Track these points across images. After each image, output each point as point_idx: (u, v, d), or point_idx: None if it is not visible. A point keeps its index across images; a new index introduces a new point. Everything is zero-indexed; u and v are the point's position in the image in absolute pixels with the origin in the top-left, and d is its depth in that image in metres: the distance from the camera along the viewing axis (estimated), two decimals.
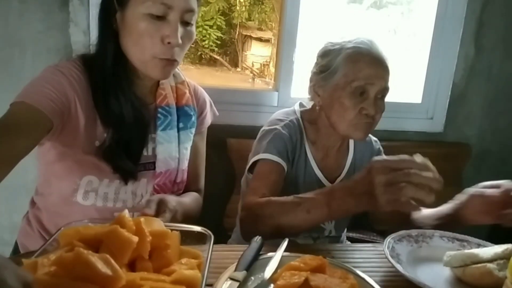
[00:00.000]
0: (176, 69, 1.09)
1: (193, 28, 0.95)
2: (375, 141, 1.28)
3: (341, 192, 0.87)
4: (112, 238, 0.59)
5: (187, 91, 1.10)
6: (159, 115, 1.02)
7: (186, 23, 0.91)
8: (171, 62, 0.92)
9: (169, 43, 0.89)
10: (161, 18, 0.88)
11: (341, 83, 1.06)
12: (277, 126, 1.12)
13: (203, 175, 1.18)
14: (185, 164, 1.07)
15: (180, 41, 0.89)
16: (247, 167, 1.13)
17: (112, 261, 0.54)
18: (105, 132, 0.93)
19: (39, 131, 0.83)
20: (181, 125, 1.06)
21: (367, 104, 1.05)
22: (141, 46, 0.90)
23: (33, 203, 1.06)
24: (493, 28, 1.78)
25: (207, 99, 1.19)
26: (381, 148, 1.27)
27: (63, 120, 0.87)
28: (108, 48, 0.93)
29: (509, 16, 1.78)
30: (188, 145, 1.09)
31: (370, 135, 1.25)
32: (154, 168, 1.01)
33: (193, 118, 1.10)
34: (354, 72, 1.05)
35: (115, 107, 0.92)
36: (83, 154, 0.92)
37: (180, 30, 0.89)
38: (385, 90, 1.07)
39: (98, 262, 0.53)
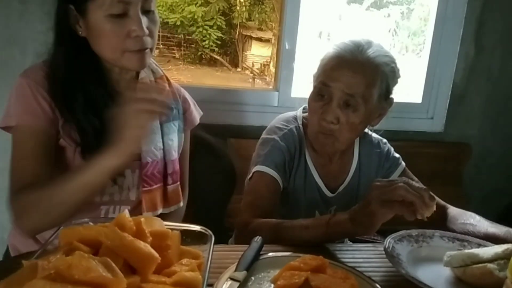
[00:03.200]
0: (154, 65, 1.11)
1: (156, 14, 0.97)
2: (384, 143, 1.23)
3: (341, 216, 0.88)
4: (133, 253, 0.59)
5: (167, 85, 1.12)
6: None
7: (147, 12, 0.94)
8: (144, 51, 0.94)
9: (136, 36, 0.91)
10: (122, 15, 0.90)
11: (313, 86, 1.08)
12: (275, 137, 1.11)
13: (187, 173, 1.20)
14: (173, 155, 1.09)
15: (146, 31, 0.92)
16: (248, 176, 1.12)
17: (113, 264, 0.54)
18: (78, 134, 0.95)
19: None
20: (162, 117, 1.07)
21: (326, 109, 1.03)
22: (110, 46, 0.93)
23: None
24: (493, 28, 1.78)
25: (190, 98, 1.21)
26: (390, 149, 1.23)
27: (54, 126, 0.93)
28: (61, 55, 0.95)
29: (509, 15, 1.78)
30: (174, 137, 1.10)
31: (377, 135, 1.24)
32: (138, 159, 1.02)
33: (175, 111, 1.11)
34: (320, 72, 1.06)
35: (83, 119, 0.94)
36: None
37: (144, 20, 0.92)
38: (348, 97, 1.01)
39: (98, 265, 0.53)
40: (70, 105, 0.94)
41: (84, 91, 0.95)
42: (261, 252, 0.79)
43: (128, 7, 0.90)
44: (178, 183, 1.11)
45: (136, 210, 1.03)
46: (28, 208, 0.86)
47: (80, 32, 0.94)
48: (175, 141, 1.10)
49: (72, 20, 0.93)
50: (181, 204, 1.12)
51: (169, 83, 1.13)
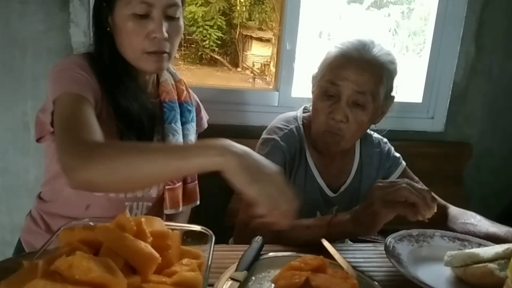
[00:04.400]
0: (172, 69, 1.16)
1: (180, 22, 1.00)
2: (384, 142, 1.23)
3: (343, 216, 0.89)
4: (133, 253, 0.59)
5: (184, 88, 1.16)
6: (164, 109, 1.08)
7: (170, 18, 0.96)
8: (161, 55, 0.97)
9: (154, 37, 0.94)
10: (145, 16, 0.93)
11: (316, 84, 1.07)
12: (275, 137, 1.10)
13: None
14: None
15: (165, 34, 0.94)
16: None
17: (113, 264, 0.54)
18: (113, 124, 0.96)
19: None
20: (183, 119, 1.12)
21: (335, 108, 1.02)
22: (131, 45, 0.96)
23: (39, 198, 1.08)
24: (494, 28, 1.78)
25: (199, 102, 1.25)
26: (391, 148, 1.23)
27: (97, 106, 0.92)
28: (104, 48, 0.98)
29: (510, 15, 1.78)
30: (192, 138, 1.14)
31: (377, 135, 1.24)
32: None
33: (193, 114, 1.16)
34: (325, 72, 1.05)
35: (123, 101, 0.96)
36: None
37: (165, 24, 0.94)
38: (357, 95, 1.01)
39: (99, 265, 0.53)
40: (115, 96, 0.96)
41: (122, 84, 0.98)
42: (262, 252, 0.79)
43: (151, 9, 0.93)
44: (196, 182, 1.16)
45: (156, 207, 1.08)
46: (97, 158, 0.72)
47: (108, 29, 0.97)
48: (193, 142, 1.14)
49: (103, 15, 0.97)
50: (198, 202, 1.17)
51: (186, 87, 1.18)
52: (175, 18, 0.97)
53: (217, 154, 0.66)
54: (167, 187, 1.07)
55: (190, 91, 1.21)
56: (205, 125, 1.26)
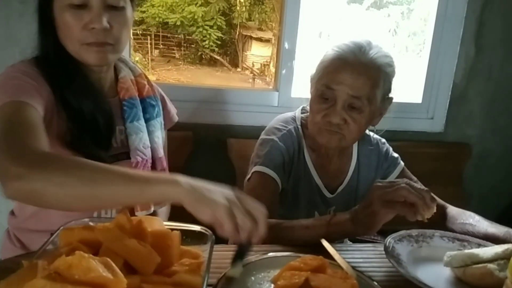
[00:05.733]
0: (132, 63, 1.11)
1: (126, 12, 0.94)
2: (383, 143, 1.23)
3: (342, 216, 0.89)
4: (133, 253, 0.59)
5: (146, 83, 1.11)
6: (124, 108, 1.03)
7: (113, 7, 0.91)
8: (103, 46, 0.92)
9: (93, 28, 0.89)
10: (82, 6, 0.89)
11: (313, 86, 1.08)
12: (274, 137, 1.11)
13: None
14: (160, 153, 1.09)
15: (105, 24, 0.89)
16: (247, 177, 1.12)
17: (113, 265, 0.54)
18: (66, 126, 0.91)
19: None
20: (147, 115, 1.07)
21: (331, 111, 1.03)
22: (70, 37, 0.91)
23: (12, 214, 1.04)
24: (493, 28, 1.78)
25: (164, 95, 1.21)
26: (389, 148, 1.23)
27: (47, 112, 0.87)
28: (49, 44, 0.93)
29: (509, 16, 1.78)
30: (159, 134, 1.10)
31: (376, 135, 1.24)
32: (127, 158, 1.01)
33: (157, 108, 1.11)
34: (322, 75, 1.05)
35: (73, 101, 0.92)
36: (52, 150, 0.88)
37: (105, 14, 0.89)
38: (353, 99, 1.01)
39: (99, 265, 0.52)
40: (64, 95, 0.91)
41: (73, 82, 0.93)
42: (262, 252, 0.79)
43: None
44: None
45: (125, 209, 1.02)
46: (50, 168, 0.66)
47: (52, 21, 0.92)
48: (160, 138, 1.11)
49: (48, 8, 0.91)
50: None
51: (148, 80, 1.13)
52: (118, 8, 0.92)
53: (176, 185, 0.65)
54: None
55: (154, 84, 1.17)
56: (175, 119, 1.21)
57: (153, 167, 1.07)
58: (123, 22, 0.94)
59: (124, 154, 1.01)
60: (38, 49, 0.95)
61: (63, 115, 0.91)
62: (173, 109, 1.22)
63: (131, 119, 1.03)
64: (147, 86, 1.11)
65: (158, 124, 1.11)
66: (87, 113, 0.93)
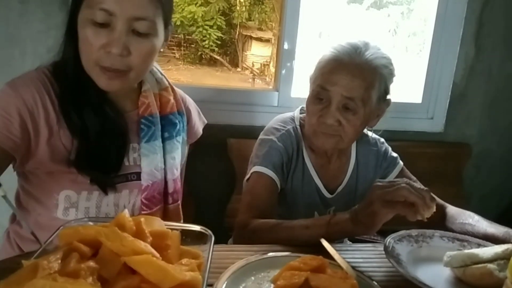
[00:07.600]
0: (159, 74, 1.05)
1: (151, 40, 0.87)
2: (382, 142, 1.23)
3: (342, 215, 0.89)
4: (133, 253, 0.58)
5: (172, 98, 1.04)
6: (142, 126, 0.97)
7: (138, 33, 0.84)
8: (118, 74, 0.86)
9: (109, 51, 0.83)
10: (105, 25, 0.82)
11: (311, 86, 1.08)
12: (272, 137, 1.11)
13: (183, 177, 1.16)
14: (174, 174, 1.03)
15: (120, 50, 0.82)
16: (246, 177, 1.12)
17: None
18: (72, 143, 0.88)
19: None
20: (166, 134, 1.01)
21: (325, 112, 1.03)
22: (85, 53, 0.85)
23: (13, 217, 1.02)
24: (493, 28, 1.78)
25: (194, 107, 1.17)
26: (388, 148, 1.23)
27: (26, 147, 0.83)
28: (68, 51, 0.89)
29: (509, 16, 1.78)
30: (176, 154, 1.04)
31: (374, 135, 1.24)
32: (137, 179, 0.96)
33: (179, 126, 1.05)
34: (318, 75, 1.06)
35: (74, 116, 0.87)
36: (54, 168, 0.87)
37: (127, 39, 0.83)
38: (347, 100, 1.01)
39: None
40: (68, 111, 0.87)
41: (82, 96, 0.89)
42: (262, 252, 0.79)
43: (112, 19, 0.82)
44: (179, 202, 1.06)
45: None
46: None
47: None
48: (177, 158, 1.05)
49: (75, 15, 0.86)
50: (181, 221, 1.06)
51: (174, 94, 1.07)
52: (143, 35, 0.85)
53: None
54: (143, 212, 0.96)
55: (182, 96, 1.11)
56: (199, 134, 1.17)
57: (165, 187, 1.02)
58: (145, 51, 0.86)
59: (135, 174, 0.96)
60: (59, 54, 0.91)
61: (66, 131, 0.87)
62: (199, 123, 1.17)
63: (147, 139, 0.97)
64: (171, 101, 1.04)
65: (177, 144, 1.04)
66: (92, 131, 0.88)
